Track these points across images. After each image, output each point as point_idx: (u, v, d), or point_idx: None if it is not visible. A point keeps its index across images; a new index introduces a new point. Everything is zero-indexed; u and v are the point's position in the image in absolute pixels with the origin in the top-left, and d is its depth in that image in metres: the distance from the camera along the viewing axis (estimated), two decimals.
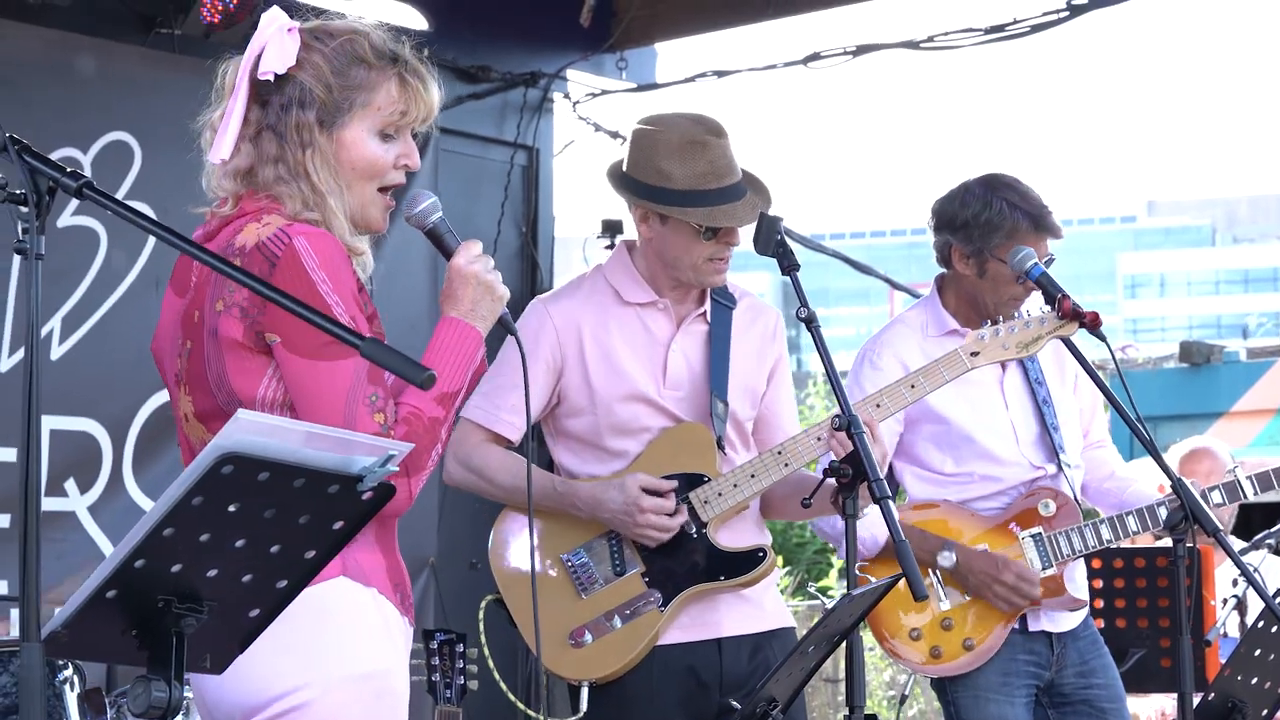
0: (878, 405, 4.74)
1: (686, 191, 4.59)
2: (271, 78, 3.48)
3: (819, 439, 4.61)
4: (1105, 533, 5.27)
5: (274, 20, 3.52)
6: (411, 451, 3.12)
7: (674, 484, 4.62)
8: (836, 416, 4.23)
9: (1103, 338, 4.89)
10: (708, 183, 4.60)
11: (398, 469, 2.86)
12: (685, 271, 4.68)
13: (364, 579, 3.37)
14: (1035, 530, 5.27)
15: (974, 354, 4.82)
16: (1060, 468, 5.32)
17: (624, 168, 4.72)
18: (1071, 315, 4.84)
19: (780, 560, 16.25)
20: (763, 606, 4.75)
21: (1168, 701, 7.14)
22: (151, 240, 6.84)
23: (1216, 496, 5.40)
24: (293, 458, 2.77)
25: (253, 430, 2.71)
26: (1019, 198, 5.20)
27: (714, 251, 4.63)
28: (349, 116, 3.50)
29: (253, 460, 2.73)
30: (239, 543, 2.84)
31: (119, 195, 6.92)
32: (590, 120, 8.85)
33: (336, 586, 2.96)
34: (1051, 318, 4.87)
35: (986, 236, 5.18)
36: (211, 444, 2.70)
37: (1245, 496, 5.43)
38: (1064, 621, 5.33)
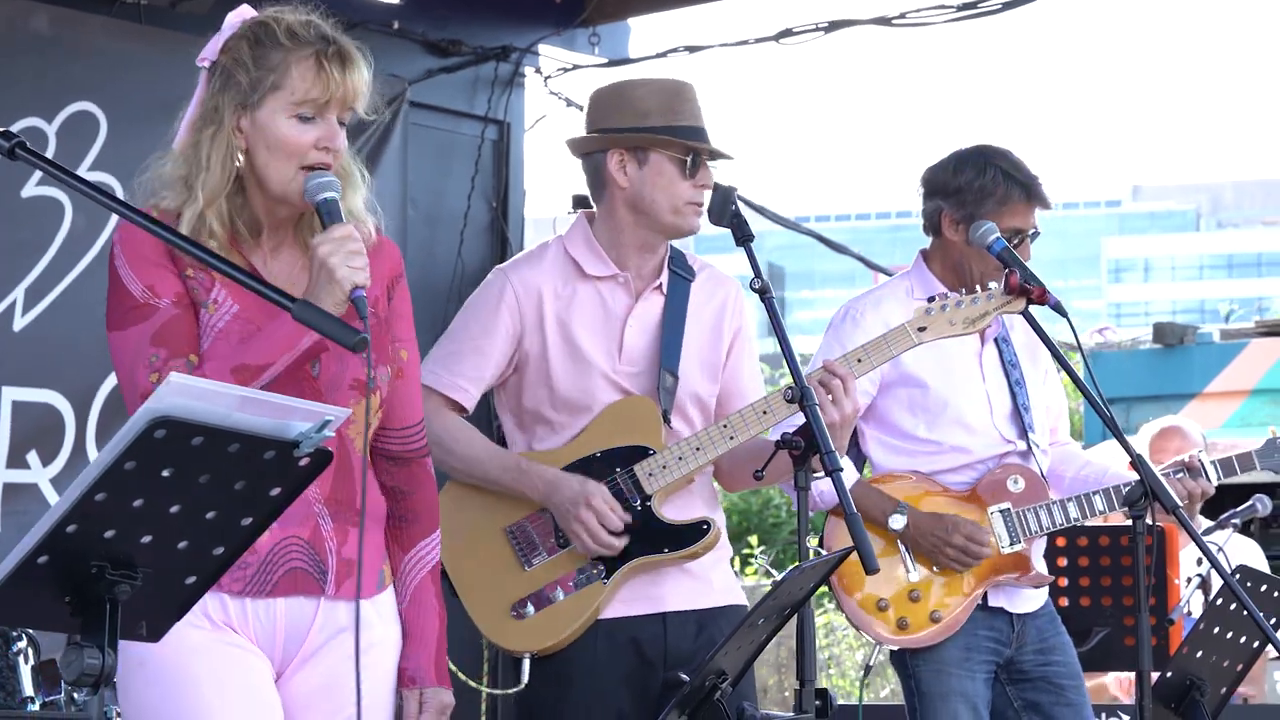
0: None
1: (668, 126, 4.62)
2: (207, 65, 3.64)
3: (766, 412, 4.59)
4: (1073, 510, 5.28)
5: (233, 15, 3.67)
6: None
7: (629, 518, 4.59)
8: (789, 388, 4.21)
9: (1065, 314, 4.87)
10: (686, 120, 4.64)
11: (334, 435, 2.84)
12: (665, 216, 4.65)
13: None
14: (1003, 505, 5.27)
15: (921, 329, 4.80)
16: (1030, 446, 5.33)
17: (592, 125, 4.71)
18: (1018, 291, 4.83)
19: (755, 540, 16.27)
20: (710, 582, 4.71)
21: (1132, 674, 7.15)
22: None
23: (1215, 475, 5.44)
24: (227, 422, 2.75)
25: (184, 393, 2.69)
26: (1012, 167, 5.25)
27: (692, 194, 4.62)
28: (262, 97, 3.57)
29: (185, 424, 2.71)
30: (173, 509, 2.82)
31: (84, 166, 6.92)
32: (562, 95, 8.81)
33: None
34: (999, 293, 4.85)
35: (979, 202, 5.21)
36: (143, 408, 2.69)
37: (1210, 479, 5.43)
38: (1022, 603, 5.32)
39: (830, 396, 4.42)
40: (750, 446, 4.63)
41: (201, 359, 3.50)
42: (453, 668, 4.43)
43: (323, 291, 3.41)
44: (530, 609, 4.60)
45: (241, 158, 3.57)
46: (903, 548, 5.23)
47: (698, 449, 4.63)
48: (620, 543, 4.56)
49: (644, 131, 4.62)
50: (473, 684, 4.57)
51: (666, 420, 4.65)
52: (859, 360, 4.70)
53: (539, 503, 4.61)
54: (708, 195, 4.61)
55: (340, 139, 3.61)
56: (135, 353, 3.49)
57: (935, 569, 5.23)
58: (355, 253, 3.44)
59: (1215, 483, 5.42)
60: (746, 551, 15.43)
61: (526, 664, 4.55)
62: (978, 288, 4.87)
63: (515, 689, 4.56)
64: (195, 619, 3.44)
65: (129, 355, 3.51)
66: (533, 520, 4.64)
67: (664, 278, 4.74)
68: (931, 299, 4.86)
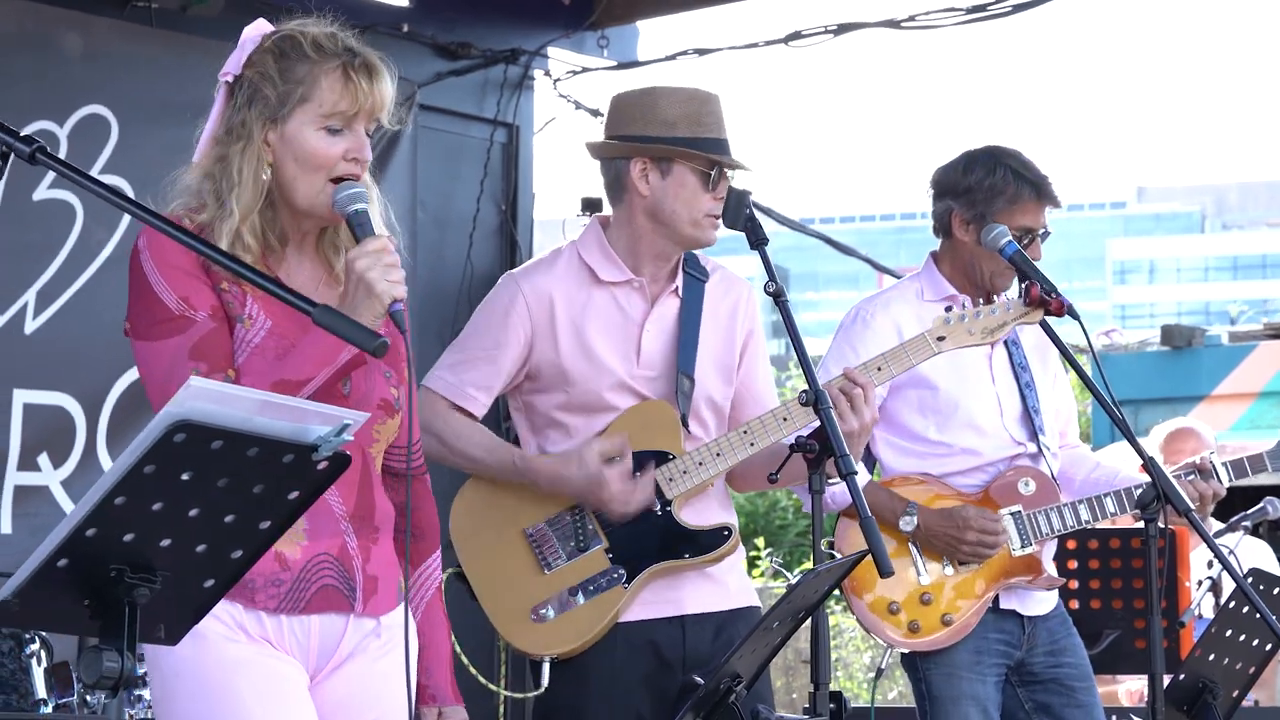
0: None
1: (693, 138, 4.62)
2: (230, 79, 3.62)
3: (785, 419, 4.59)
4: (1084, 513, 5.27)
5: (250, 29, 3.66)
6: None
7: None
8: (804, 393, 4.21)
9: (1076, 317, 4.88)
10: (711, 132, 4.64)
11: (353, 438, 2.84)
12: (683, 228, 4.64)
13: None
14: (1014, 508, 5.26)
15: (940, 338, 4.81)
16: (1040, 449, 5.32)
17: (615, 130, 4.71)
18: (1038, 303, 4.84)
19: (762, 542, 16.28)
20: (727, 585, 4.72)
21: (1144, 684, 7.14)
22: (128, 215, 6.82)
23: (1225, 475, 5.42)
24: (246, 426, 2.75)
25: (205, 397, 2.69)
26: (1022, 166, 5.26)
27: (712, 207, 4.62)
28: (290, 110, 3.57)
29: (205, 428, 2.71)
30: (192, 512, 2.82)
31: (95, 169, 6.92)
32: (571, 98, 8.82)
33: None
34: (1018, 304, 4.87)
35: (989, 202, 5.21)
36: (163, 411, 2.69)
37: (1221, 481, 5.42)
38: (1034, 605, 5.32)
39: (850, 405, 4.43)
40: (765, 451, 4.64)
41: (238, 374, 3.48)
42: (472, 670, 4.44)
43: (361, 306, 3.40)
44: (550, 612, 4.59)
45: (269, 171, 3.57)
46: (914, 550, 5.23)
47: (718, 454, 4.63)
48: (646, 489, 4.56)
49: (670, 143, 4.62)
50: (492, 687, 4.56)
51: (684, 424, 4.65)
52: (879, 369, 4.71)
53: (551, 496, 4.60)
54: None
55: (367, 150, 3.61)
56: (171, 366, 3.46)
57: (947, 571, 5.22)
58: (392, 265, 3.44)
59: (1226, 484, 5.41)
60: (753, 554, 15.45)
61: (546, 667, 4.55)
62: (995, 298, 4.88)
63: (535, 692, 4.55)
64: (231, 633, 3.46)
65: (163, 367, 3.47)
66: (552, 523, 4.64)
67: (679, 280, 4.74)
68: (949, 308, 4.87)
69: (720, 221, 4.61)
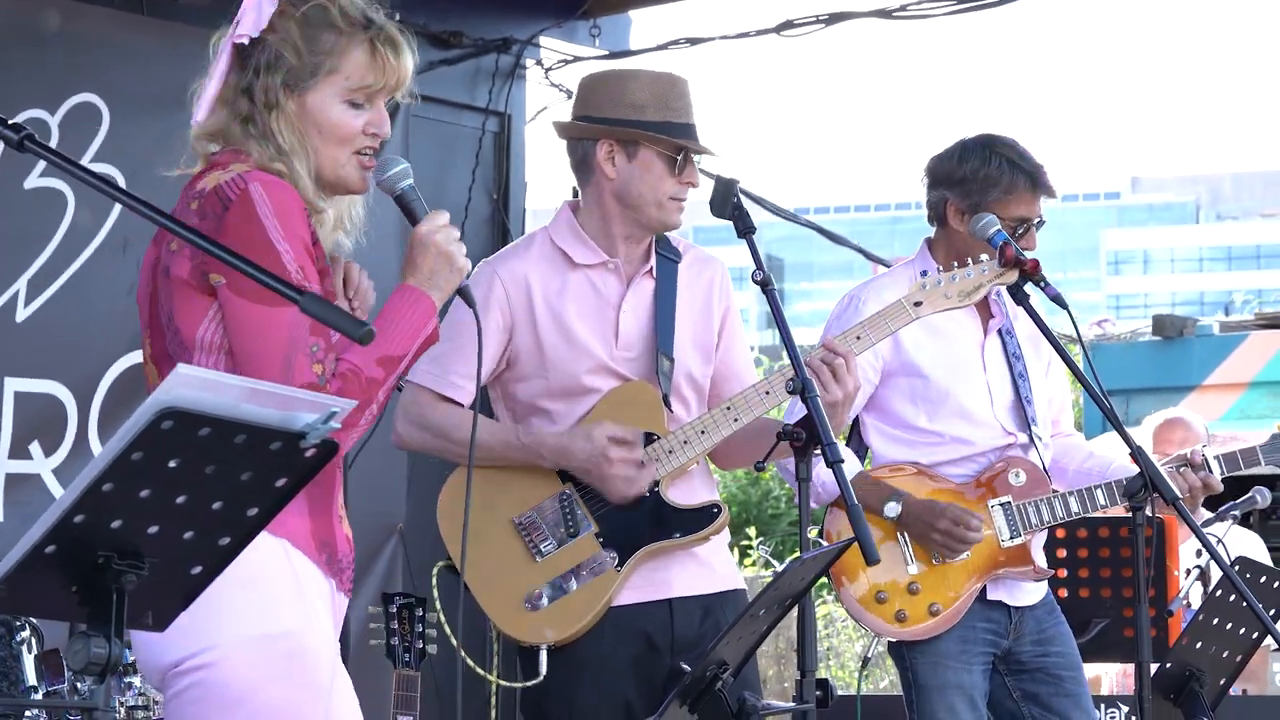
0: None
1: (661, 122, 4.63)
2: (246, 41, 3.55)
3: (768, 393, 4.60)
4: (1074, 504, 5.28)
5: None
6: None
7: (640, 432, 4.59)
8: (791, 380, 4.22)
9: (1065, 306, 4.88)
10: (680, 116, 4.65)
11: (340, 426, 2.85)
12: (649, 210, 4.66)
13: (272, 528, 3.37)
14: (1004, 499, 5.27)
15: (917, 304, 4.80)
16: (1032, 439, 5.33)
17: (582, 111, 4.72)
18: (1013, 263, 4.85)
19: (753, 531, 16.28)
20: (713, 567, 4.73)
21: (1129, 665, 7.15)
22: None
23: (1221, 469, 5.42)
24: (234, 413, 2.75)
25: (192, 384, 2.69)
26: (1017, 156, 5.26)
27: (677, 190, 4.64)
28: (315, 81, 3.55)
29: (193, 415, 2.71)
30: (180, 499, 2.81)
31: (87, 157, 6.92)
32: (563, 87, 8.80)
33: None
34: (993, 265, 4.87)
35: (985, 192, 5.22)
36: (151, 399, 2.69)
37: (1212, 473, 5.43)
38: (1022, 595, 5.33)
39: (833, 374, 4.44)
40: (749, 427, 4.65)
41: (338, 350, 3.43)
42: (469, 661, 4.44)
43: (442, 278, 3.50)
44: (544, 600, 4.59)
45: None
46: (902, 540, 5.24)
47: (703, 432, 4.64)
48: (648, 476, 4.57)
49: (637, 126, 4.63)
50: (490, 678, 4.57)
51: (666, 404, 4.66)
52: (858, 338, 4.71)
53: (554, 469, 4.62)
54: (692, 192, 4.65)
55: (387, 125, 3.61)
56: (293, 337, 3.38)
57: (935, 561, 5.23)
58: (458, 240, 3.50)
59: (1220, 477, 5.41)
60: (745, 543, 15.42)
61: (544, 655, 4.54)
62: (970, 260, 4.88)
63: (532, 681, 4.54)
64: (326, 618, 3.49)
65: (284, 337, 3.38)
66: (541, 511, 4.64)
67: (653, 261, 4.75)
68: (924, 272, 4.88)
69: (684, 205, 4.64)
